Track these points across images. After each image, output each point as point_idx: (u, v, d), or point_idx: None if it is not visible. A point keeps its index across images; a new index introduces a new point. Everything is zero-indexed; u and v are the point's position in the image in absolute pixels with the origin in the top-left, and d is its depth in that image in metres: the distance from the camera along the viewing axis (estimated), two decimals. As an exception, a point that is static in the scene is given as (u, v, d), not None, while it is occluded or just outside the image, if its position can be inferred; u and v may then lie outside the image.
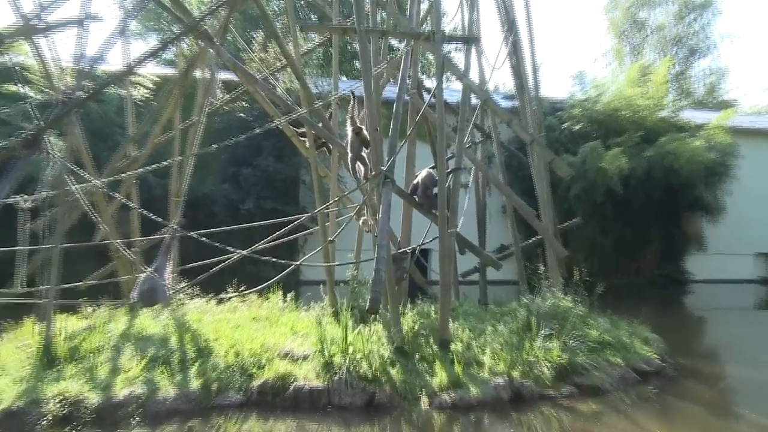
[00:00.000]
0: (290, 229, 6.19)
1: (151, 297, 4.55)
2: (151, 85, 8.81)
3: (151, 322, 4.71)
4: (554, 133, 11.21)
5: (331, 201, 5.81)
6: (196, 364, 3.75)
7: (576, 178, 9.90)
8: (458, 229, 5.26)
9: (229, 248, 4.88)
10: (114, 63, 6.61)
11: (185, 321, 4.75)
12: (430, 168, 5.53)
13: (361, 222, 5.58)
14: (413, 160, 5.89)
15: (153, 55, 4.61)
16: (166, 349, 3.95)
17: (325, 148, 6.48)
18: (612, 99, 11.48)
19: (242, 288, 5.69)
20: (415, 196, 5.18)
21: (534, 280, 5.59)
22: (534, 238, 7.09)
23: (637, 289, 10.66)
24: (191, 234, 4.94)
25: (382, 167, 4.45)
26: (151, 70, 8.96)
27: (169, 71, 9.03)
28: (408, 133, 5.41)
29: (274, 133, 10.59)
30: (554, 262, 5.90)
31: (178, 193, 5.87)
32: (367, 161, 4.61)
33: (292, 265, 4.78)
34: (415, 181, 5.33)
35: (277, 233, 6.28)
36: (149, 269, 4.65)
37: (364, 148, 4.58)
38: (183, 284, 5.46)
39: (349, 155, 4.65)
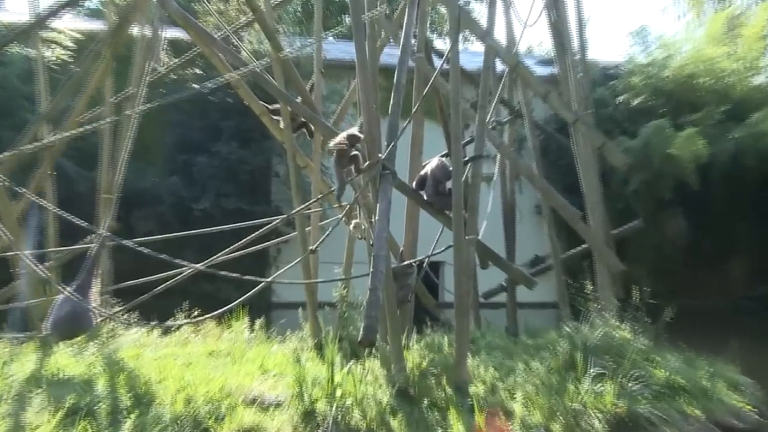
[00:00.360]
0: (259, 235, 6.19)
1: (72, 326, 4.42)
2: (70, 44, 8.61)
3: (71, 360, 4.57)
4: (606, 108, 11.06)
5: (313, 199, 5.82)
6: (133, 415, 3.62)
7: (635, 168, 9.60)
8: (479, 236, 5.28)
9: (179, 261, 4.83)
10: (17, 12, 6.81)
11: (118, 358, 4.68)
12: (442, 156, 5.53)
13: (352, 227, 5.62)
14: (420, 145, 5.89)
15: (72, 2, 4.52)
16: (91, 397, 3.80)
17: (305, 131, 6.49)
18: (686, 62, 10.88)
19: (196, 313, 5.70)
20: (422, 193, 5.19)
21: (579, 303, 5.58)
22: (579, 248, 7.13)
23: (720, 316, 10.26)
24: (127, 242, 4.89)
25: (380, 155, 4.44)
26: (71, 24, 8.71)
27: (95, 26, 8.82)
28: (413, 110, 5.41)
29: (238, 111, 10.33)
30: (606, 278, 5.90)
31: (109, 188, 5.81)
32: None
33: (261, 282, 4.78)
34: (422, 173, 5.33)
35: (242, 241, 6.27)
36: (69, 289, 4.51)
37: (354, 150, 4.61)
38: (116, 309, 5.43)
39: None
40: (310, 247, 5.35)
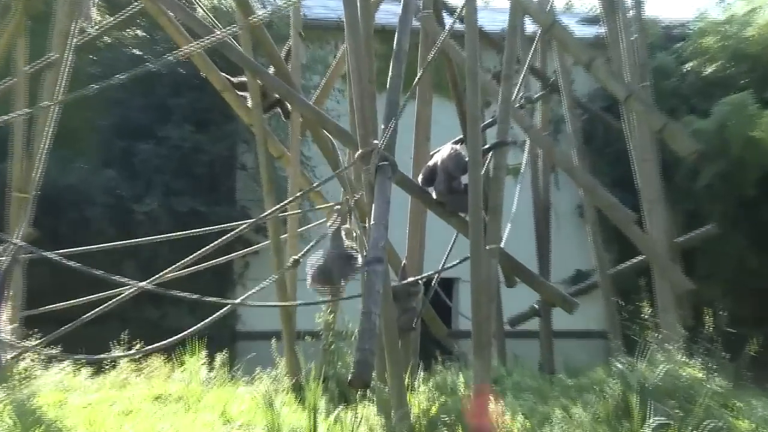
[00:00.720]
0: (221, 245, 6.19)
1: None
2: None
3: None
4: (669, 80, 10.99)
5: (290, 198, 5.87)
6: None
7: (707, 156, 9.37)
8: (503, 245, 5.21)
9: (116, 278, 4.81)
10: None
11: (35, 406, 4.60)
12: (456, 143, 5.55)
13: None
14: (427, 129, 5.92)
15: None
16: (-4, 462, 3.86)
17: (279, 110, 6.51)
18: (777, 18, 11.02)
19: (138, 346, 5.68)
20: (431, 190, 5.20)
21: (634, 332, 5.56)
22: (633, 260, 7.11)
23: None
24: (48, 254, 4.83)
25: (375, 142, 4.47)
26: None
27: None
28: (416, 81, 5.36)
29: (193, 85, 10.22)
30: (669, 299, 5.91)
31: (24, 185, 5.75)
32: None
33: (224, 306, 4.79)
34: (430, 165, 5.31)
35: (199, 253, 6.24)
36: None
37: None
38: (32, 341, 5.40)
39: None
40: (292, 258, 5.19)
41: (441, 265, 5.59)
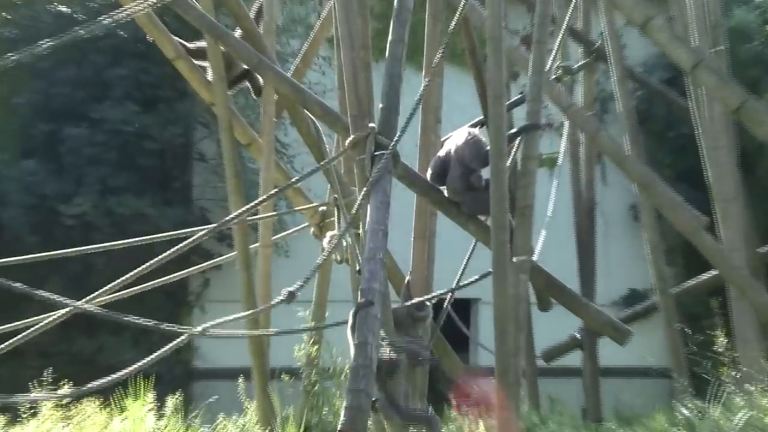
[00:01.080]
0: (173, 257, 6.16)
1: None
2: None
3: None
4: (750, 44, 11.08)
5: (262, 197, 5.82)
6: None
7: None
8: (535, 257, 5.26)
9: (40, 292, 4.78)
10: None
11: None
12: (473, 126, 5.59)
13: (326, 242, 5.60)
14: (437, 108, 5.85)
15: None
16: None
17: (248, 84, 6.58)
18: None
19: (66, 386, 5.68)
20: (443, 188, 5.20)
21: (704, 367, 5.60)
22: (702, 276, 7.17)
23: None
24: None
25: (371, 125, 4.49)
26: None
27: None
28: (426, 51, 5.40)
29: (137, 53, 10.23)
30: (750, 327, 5.94)
31: None
32: None
33: (178, 335, 4.69)
34: (442, 155, 5.32)
35: (145, 267, 6.21)
36: None
37: None
38: None
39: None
40: (286, 291, 5.31)
41: (455, 282, 5.45)
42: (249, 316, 4.98)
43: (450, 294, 5.68)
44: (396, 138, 4.38)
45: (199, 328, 4.96)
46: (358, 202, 4.52)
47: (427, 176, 5.34)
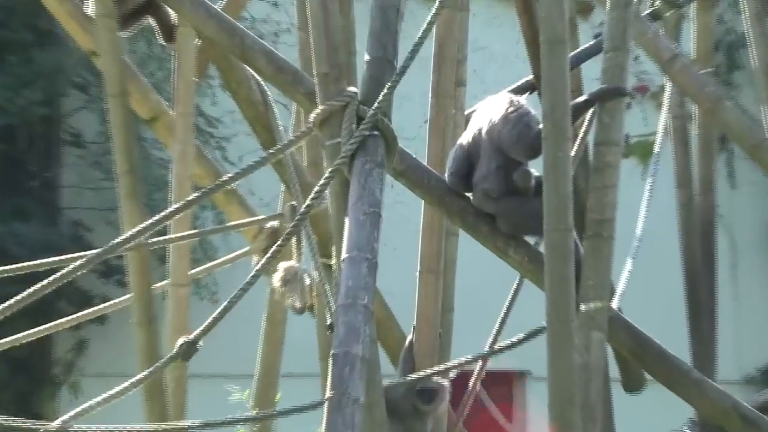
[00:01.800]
0: (26, 303, 6.26)
1: None
2: None
3: None
4: None
5: (174, 206, 5.88)
6: None
7: None
8: (616, 303, 5.39)
9: None
10: None
11: None
12: (515, 91, 5.63)
13: (277, 279, 5.77)
14: (459, 59, 6.00)
15: None
16: None
17: (155, 26, 6.75)
18: None
19: None
20: (467, 194, 5.31)
21: None
22: None
23: None
24: None
25: (352, 89, 4.55)
26: None
27: None
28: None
29: None
30: None
31: None
32: None
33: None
34: (465, 140, 5.44)
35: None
36: None
37: None
38: None
39: None
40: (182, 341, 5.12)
41: (488, 345, 5.58)
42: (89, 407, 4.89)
43: (480, 363, 5.82)
44: (386, 108, 4.29)
45: (57, 422, 4.96)
46: (332, 214, 4.60)
47: (444, 173, 5.37)
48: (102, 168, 9.46)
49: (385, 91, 4.24)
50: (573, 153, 4.97)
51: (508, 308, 5.53)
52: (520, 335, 5.35)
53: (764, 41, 7.43)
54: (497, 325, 5.62)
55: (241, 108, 6.21)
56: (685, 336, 7.16)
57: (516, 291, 5.48)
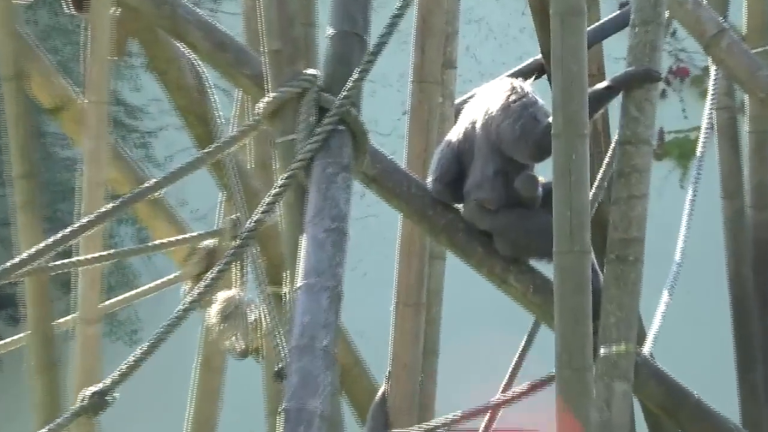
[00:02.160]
0: None
1: None
2: None
3: None
4: None
5: (84, 220, 6.02)
6: None
7: None
8: (647, 348, 5.52)
9: None
10: None
11: None
12: (517, 75, 5.95)
13: (214, 312, 5.77)
14: (448, 33, 6.22)
15: None
16: None
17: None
18: None
19: None
20: (458, 207, 5.53)
21: None
22: None
23: None
24: None
25: (311, 71, 4.68)
26: None
27: None
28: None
29: None
30: None
31: None
32: None
33: None
34: (453, 138, 5.69)
35: None
36: None
37: None
38: None
39: None
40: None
41: (485, 397, 5.74)
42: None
43: (471, 420, 5.90)
44: (355, 97, 4.31)
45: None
46: (284, 230, 4.77)
47: (426, 179, 5.47)
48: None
49: (355, 75, 4.23)
50: (586, 151, 4.99)
51: (521, 355, 5.56)
52: (524, 384, 5.51)
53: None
54: (507, 376, 5.67)
55: (170, 94, 6.24)
56: (734, 388, 7.18)
57: (531, 335, 5.53)
